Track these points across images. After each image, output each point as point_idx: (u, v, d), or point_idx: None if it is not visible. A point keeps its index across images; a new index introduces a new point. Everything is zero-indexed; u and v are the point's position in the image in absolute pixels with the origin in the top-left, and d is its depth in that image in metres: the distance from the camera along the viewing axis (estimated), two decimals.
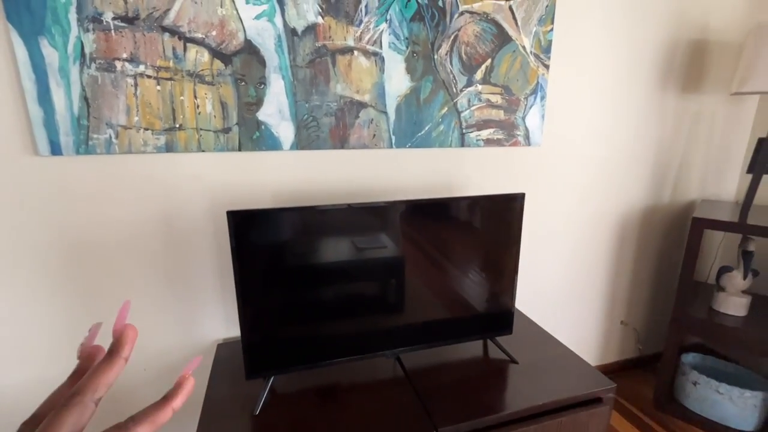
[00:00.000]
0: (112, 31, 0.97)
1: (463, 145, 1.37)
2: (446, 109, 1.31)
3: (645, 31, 1.54)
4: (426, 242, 1.07)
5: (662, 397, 1.73)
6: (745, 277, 1.57)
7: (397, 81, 1.23)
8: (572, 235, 1.69)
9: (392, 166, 1.31)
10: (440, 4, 1.21)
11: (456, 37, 1.26)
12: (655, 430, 1.65)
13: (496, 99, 1.36)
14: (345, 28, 1.14)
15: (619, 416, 1.73)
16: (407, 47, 1.21)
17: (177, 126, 1.06)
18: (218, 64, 1.05)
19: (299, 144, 1.17)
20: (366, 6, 1.14)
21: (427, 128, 1.30)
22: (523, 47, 1.34)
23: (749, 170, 1.51)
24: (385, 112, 1.24)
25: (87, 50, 0.96)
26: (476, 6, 1.25)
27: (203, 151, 1.10)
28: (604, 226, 1.74)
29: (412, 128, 1.29)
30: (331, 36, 1.13)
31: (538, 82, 1.40)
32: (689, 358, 1.79)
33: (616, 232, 1.77)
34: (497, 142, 1.41)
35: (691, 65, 1.66)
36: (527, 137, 1.44)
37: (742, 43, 1.71)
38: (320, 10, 1.10)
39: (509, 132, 1.41)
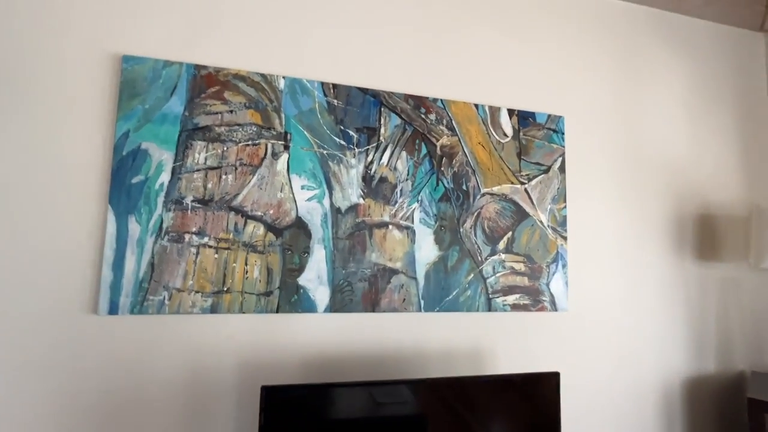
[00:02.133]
0: (189, 211, 1.15)
1: (490, 309, 1.40)
2: (472, 275, 1.39)
3: (653, 205, 1.69)
4: (455, 424, 1.02)
5: None
6: None
7: (427, 250, 1.35)
8: (611, 410, 1.54)
9: (421, 330, 1.33)
10: (464, 188, 1.41)
11: (479, 213, 1.42)
12: None
13: (520, 267, 1.44)
14: (382, 207, 1.32)
15: None
16: (436, 222, 1.37)
17: (225, 289, 1.16)
18: (271, 236, 1.21)
19: (333, 306, 1.24)
20: (401, 190, 1.34)
21: (454, 293, 1.36)
22: (541, 222, 1.49)
23: None
24: (415, 278, 1.32)
25: (165, 225, 1.13)
26: (495, 189, 1.45)
27: (244, 312, 1.17)
28: (645, 400, 1.60)
29: (440, 293, 1.35)
30: (370, 213, 1.30)
31: (557, 252, 1.49)
32: None
33: (661, 407, 1.62)
34: (524, 307, 1.43)
35: (703, 235, 1.76)
36: (553, 303, 1.47)
37: (746, 218, 1.82)
38: (362, 194, 1.30)
39: (535, 297, 1.45)
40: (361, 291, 1.27)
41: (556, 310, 1.47)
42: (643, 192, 1.68)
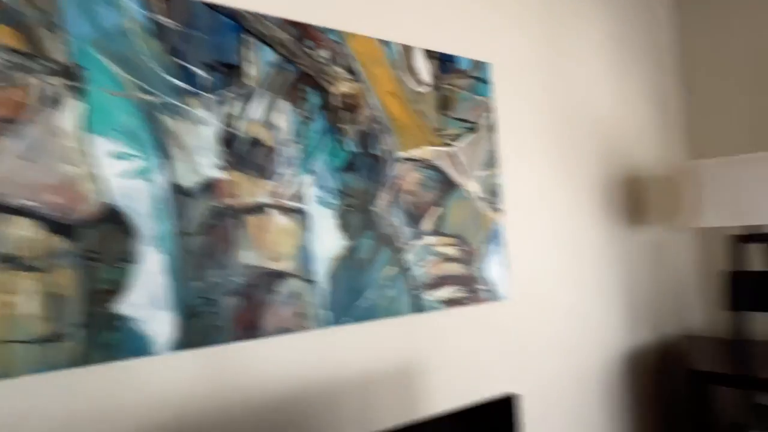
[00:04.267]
0: None
1: (418, 310, 1.07)
2: (393, 269, 1.04)
3: (585, 168, 1.51)
4: None
5: None
6: None
7: (329, 241, 0.96)
8: (555, 398, 1.35)
9: (326, 353, 0.95)
10: (375, 152, 1.05)
11: (396, 186, 1.07)
12: None
13: (452, 251, 1.14)
14: (256, 182, 0.89)
15: None
16: (339, 200, 0.98)
17: None
18: (54, 240, 0.71)
19: (183, 341, 0.79)
20: (285, 157, 0.93)
21: (370, 295, 1.00)
22: (471, 192, 1.19)
23: (732, 307, 1.37)
24: (313, 281, 0.93)
25: None
26: (415, 153, 1.11)
27: (11, 376, 0.66)
28: (588, 381, 1.44)
29: (350, 297, 0.98)
30: (238, 193, 0.87)
31: (493, 228, 1.22)
32: None
33: (604, 386, 1.47)
34: (459, 302, 1.14)
35: (631, 198, 1.64)
36: (492, 291, 1.20)
37: (672, 179, 1.75)
38: (222, 164, 0.86)
39: (470, 288, 1.16)
40: (229, 310, 0.84)
41: (496, 299, 1.20)
42: (575, 154, 1.49)
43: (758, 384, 1.17)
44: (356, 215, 1.00)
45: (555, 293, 1.37)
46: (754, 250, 1.49)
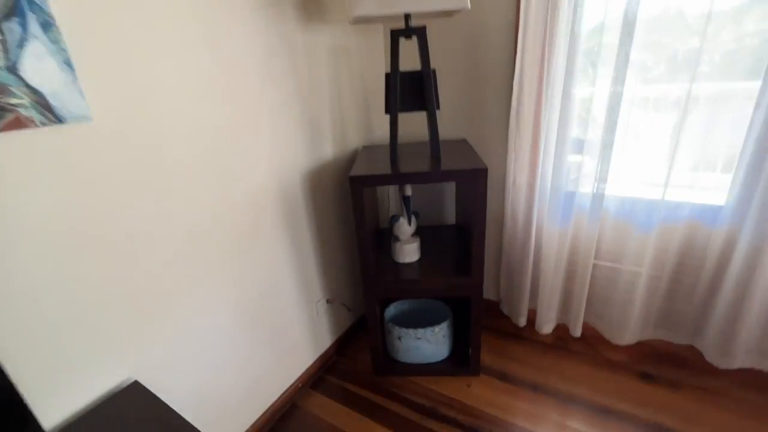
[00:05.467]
0: None
1: None
2: None
3: None
4: None
5: (379, 362, 1.64)
6: (410, 222, 1.53)
7: None
8: (223, 242, 1.19)
9: None
10: None
11: None
12: (372, 402, 1.54)
13: None
14: None
15: (337, 404, 1.53)
16: None
17: None
18: None
19: None
20: None
21: None
22: None
23: (387, 110, 1.37)
24: None
25: None
26: None
27: None
28: (265, 212, 1.33)
29: None
30: None
31: None
32: (391, 310, 1.76)
33: (285, 212, 1.41)
34: None
35: None
36: (46, 108, 0.74)
37: None
38: None
39: None
40: None
41: (59, 121, 0.76)
42: None
43: (397, 180, 1.28)
44: None
45: (194, 111, 1.03)
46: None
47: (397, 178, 1.28)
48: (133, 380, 0.98)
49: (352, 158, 1.75)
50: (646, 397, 1.46)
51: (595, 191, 1.49)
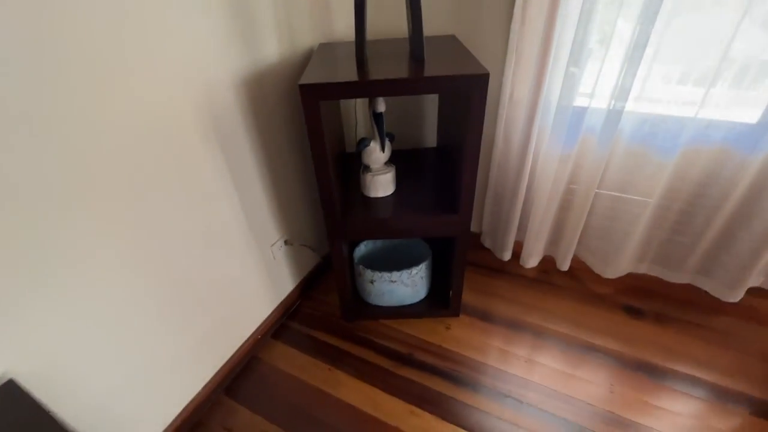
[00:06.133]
0: None
1: None
2: None
3: None
4: None
5: (348, 308, 1.45)
6: (383, 148, 1.21)
7: None
8: (122, 186, 0.84)
9: None
10: None
11: None
12: (340, 350, 1.38)
13: None
14: None
15: (302, 354, 1.37)
16: None
17: None
18: None
19: None
20: None
21: None
22: None
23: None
24: None
25: None
26: None
27: None
28: (186, 139, 0.96)
29: None
30: None
31: None
32: (361, 249, 1.53)
33: (215, 138, 1.04)
34: None
35: None
36: None
37: None
38: None
39: None
40: None
41: None
42: None
43: (365, 91, 0.93)
44: None
45: None
46: None
47: (366, 87, 0.93)
48: (7, 378, 0.71)
49: (305, 60, 1.33)
50: (631, 333, 1.38)
51: (612, 107, 1.20)
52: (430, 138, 1.62)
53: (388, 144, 1.23)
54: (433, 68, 0.96)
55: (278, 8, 1.15)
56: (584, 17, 1.10)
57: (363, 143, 1.20)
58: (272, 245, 1.37)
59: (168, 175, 0.93)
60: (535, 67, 1.21)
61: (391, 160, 1.38)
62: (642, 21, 1.05)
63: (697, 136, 1.18)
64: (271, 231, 1.35)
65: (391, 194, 1.29)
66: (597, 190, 1.39)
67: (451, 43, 1.21)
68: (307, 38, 1.31)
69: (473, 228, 1.78)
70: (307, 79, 0.94)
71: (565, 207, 1.50)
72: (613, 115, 1.21)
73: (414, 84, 0.92)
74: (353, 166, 1.49)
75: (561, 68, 1.20)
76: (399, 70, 0.97)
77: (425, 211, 1.20)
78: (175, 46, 0.87)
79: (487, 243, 1.75)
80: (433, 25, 1.34)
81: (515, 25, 1.20)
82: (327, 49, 1.25)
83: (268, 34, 1.13)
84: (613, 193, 1.38)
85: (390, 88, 0.92)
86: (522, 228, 1.62)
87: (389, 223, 1.20)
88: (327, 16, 1.37)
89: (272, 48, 1.16)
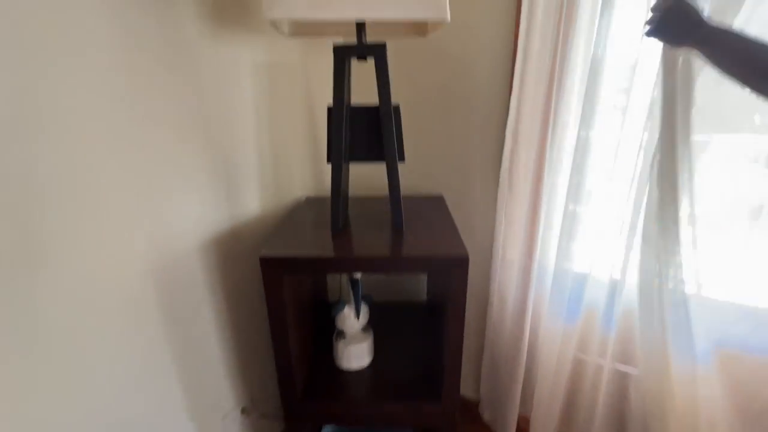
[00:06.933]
0: None
1: None
2: None
3: None
4: None
5: None
6: (358, 314, 1.09)
7: None
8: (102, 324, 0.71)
9: None
10: None
11: None
12: None
13: None
14: None
15: None
16: None
17: None
18: None
19: None
20: None
21: None
22: None
23: (328, 158, 0.95)
24: None
25: None
26: None
27: None
28: (133, 309, 0.86)
29: None
30: None
31: None
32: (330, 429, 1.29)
33: (171, 303, 0.94)
34: None
35: None
36: None
37: None
38: None
39: None
40: None
41: None
42: None
43: (339, 266, 0.84)
44: None
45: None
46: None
47: (336, 263, 0.85)
48: None
49: (289, 213, 1.30)
50: None
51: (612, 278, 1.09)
52: (420, 289, 1.50)
53: (364, 309, 1.10)
54: (411, 243, 0.88)
55: (265, 163, 1.15)
56: (572, 190, 1.07)
57: (337, 308, 1.08)
58: (224, 417, 1.15)
59: (101, 354, 0.79)
60: (524, 232, 1.14)
61: (372, 319, 1.23)
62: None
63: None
64: (224, 398, 1.14)
65: (367, 366, 1.12)
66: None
67: (437, 205, 1.17)
68: (295, 190, 1.30)
69: (469, 394, 1.54)
70: (271, 249, 0.87)
71: (575, 379, 1.28)
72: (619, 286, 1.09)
73: (387, 263, 0.83)
74: (332, 322, 1.34)
75: (554, 235, 1.13)
76: (376, 241, 0.89)
77: (405, 392, 1.01)
78: (136, 209, 0.82)
79: (486, 415, 1.48)
80: (423, 183, 1.34)
81: (503, 189, 1.17)
82: (310, 206, 1.22)
83: (250, 188, 1.11)
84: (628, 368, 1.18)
85: (363, 264, 0.84)
86: (526, 400, 1.38)
87: (359, 409, 1.00)
88: (318, 170, 1.39)
89: (253, 201, 1.13)
